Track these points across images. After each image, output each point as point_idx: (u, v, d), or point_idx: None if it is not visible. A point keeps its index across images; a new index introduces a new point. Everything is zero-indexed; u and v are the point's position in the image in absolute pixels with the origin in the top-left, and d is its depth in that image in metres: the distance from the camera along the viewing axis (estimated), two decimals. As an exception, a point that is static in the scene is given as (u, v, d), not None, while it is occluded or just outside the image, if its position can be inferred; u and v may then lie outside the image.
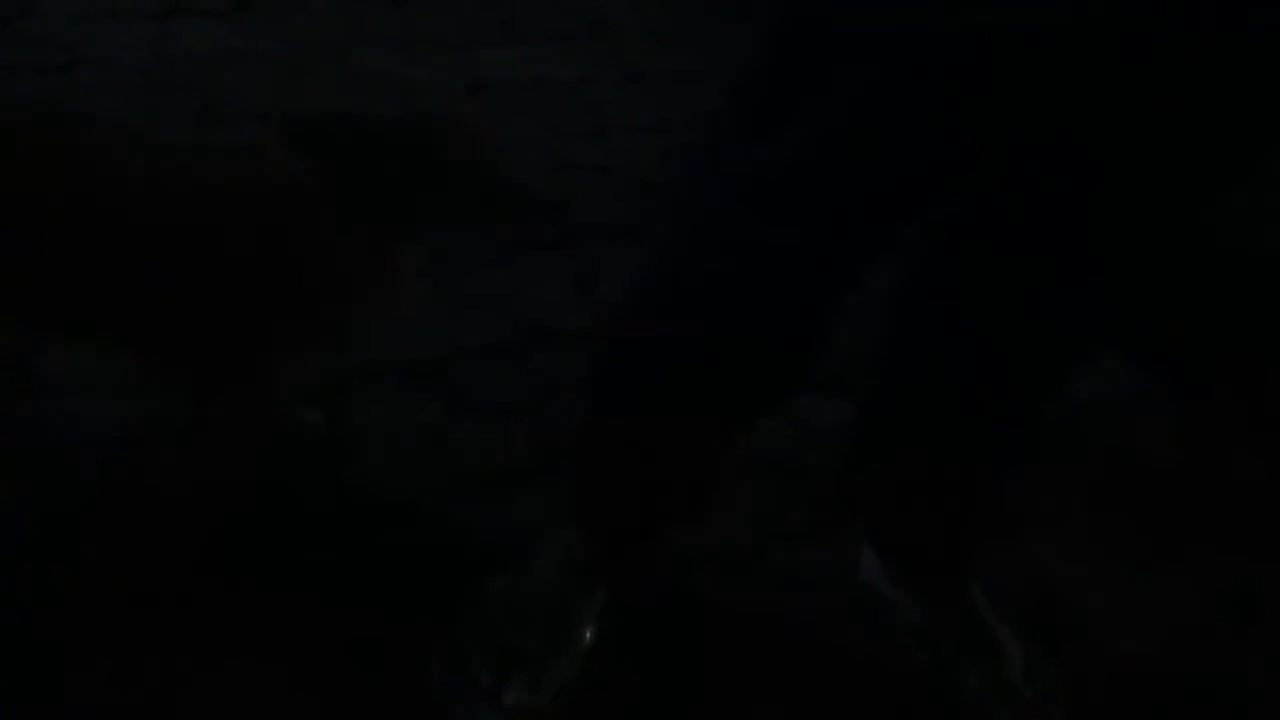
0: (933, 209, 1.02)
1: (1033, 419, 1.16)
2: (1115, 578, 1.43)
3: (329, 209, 1.10)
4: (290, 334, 1.15)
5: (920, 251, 1.10)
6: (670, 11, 2.75)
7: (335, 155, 1.10)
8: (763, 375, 1.06)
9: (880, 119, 0.87)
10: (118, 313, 1.11)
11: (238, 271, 1.08)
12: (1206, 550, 1.49)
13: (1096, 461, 1.61)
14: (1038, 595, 1.37)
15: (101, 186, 1.08)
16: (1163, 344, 1.80)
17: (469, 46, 2.44)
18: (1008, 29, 0.79)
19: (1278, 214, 1.78)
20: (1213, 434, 1.69)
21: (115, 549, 1.20)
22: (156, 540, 1.21)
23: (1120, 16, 0.79)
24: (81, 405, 1.34)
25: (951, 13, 0.80)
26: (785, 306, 1.01)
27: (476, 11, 2.61)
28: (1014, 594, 1.32)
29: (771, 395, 1.10)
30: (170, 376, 1.20)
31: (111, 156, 1.12)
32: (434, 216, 1.17)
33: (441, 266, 1.72)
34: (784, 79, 0.91)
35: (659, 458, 1.12)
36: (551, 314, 1.67)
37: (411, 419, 1.45)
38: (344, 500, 1.32)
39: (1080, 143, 0.89)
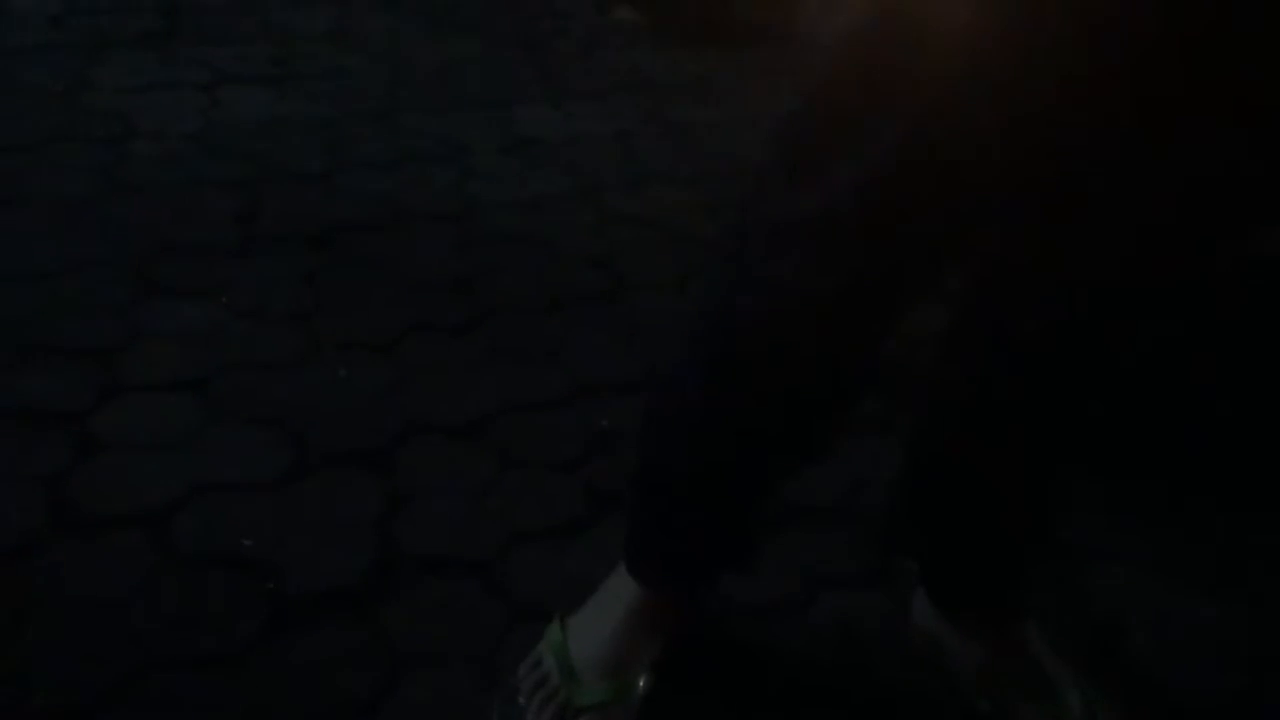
0: (977, 251, 1.03)
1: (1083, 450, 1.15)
2: (1178, 611, 1.41)
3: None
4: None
5: (965, 292, 1.11)
6: (705, 66, 2.78)
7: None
8: (808, 421, 1.07)
9: (918, 167, 0.88)
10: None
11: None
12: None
13: (1157, 485, 1.58)
14: (1098, 632, 1.35)
15: None
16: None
17: (508, 105, 2.48)
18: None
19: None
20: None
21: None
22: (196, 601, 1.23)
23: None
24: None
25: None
26: (829, 352, 1.02)
27: (516, 70, 2.66)
28: (1073, 631, 1.31)
29: (817, 440, 1.11)
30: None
31: None
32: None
33: (490, 321, 1.76)
34: (822, 128, 0.92)
35: (707, 506, 1.12)
36: (598, 367, 1.68)
37: (460, 475, 1.46)
38: (394, 554, 1.33)
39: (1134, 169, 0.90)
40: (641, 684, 1.15)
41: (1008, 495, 1.16)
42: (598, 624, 1.18)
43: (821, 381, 1.04)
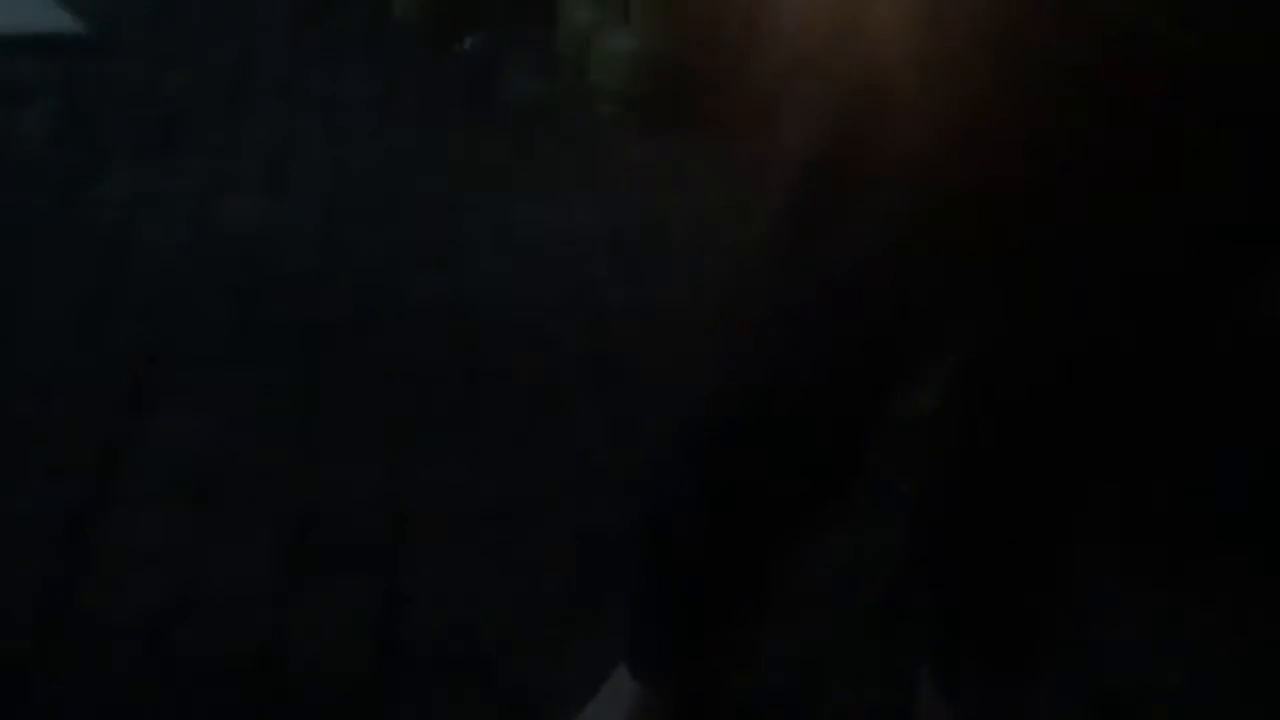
0: (966, 319, 1.04)
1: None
2: (1189, 682, 1.39)
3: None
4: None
5: (955, 364, 1.11)
6: (694, 154, 2.83)
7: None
8: (803, 506, 1.07)
9: (903, 244, 0.89)
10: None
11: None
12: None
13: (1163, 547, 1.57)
14: (1105, 707, 1.33)
15: None
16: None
17: (501, 200, 2.51)
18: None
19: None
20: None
21: None
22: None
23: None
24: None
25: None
26: (825, 433, 1.03)
27: (509, 165, 2.70)
28: (1082, 696, 1.28)
29: (815, 524, 1.11)
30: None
31: None
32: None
33: (486, 419, 1.77)
34: (813, 209, 0.94)
35: (708, 596, 1.12)
36: (594, 464, 1.69)
37: (458, 575, 1.46)
38: (394, 655, 1.32)
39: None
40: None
41: (1015, 567, 1.15)
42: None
43: (815, 464, 1.04)
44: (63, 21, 3.10)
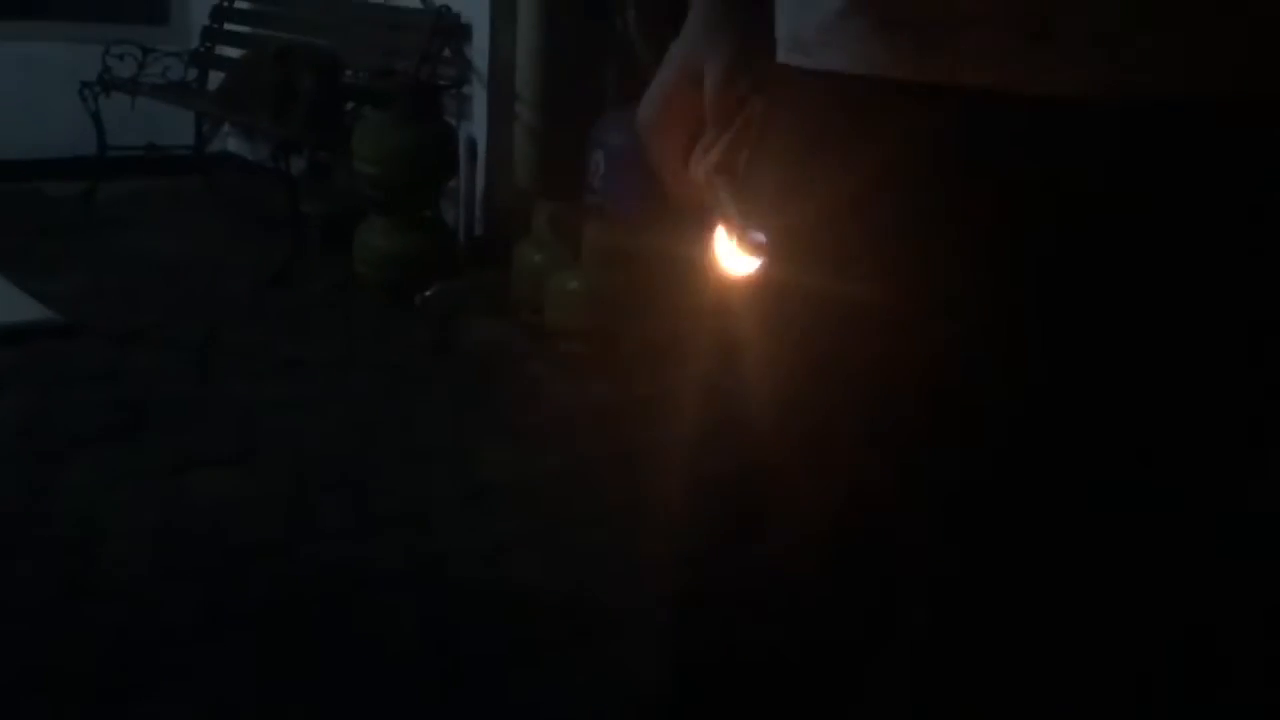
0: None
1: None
2: None
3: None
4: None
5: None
6: (653, 390, 2.89)
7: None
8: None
9: (851, 523, 0.90)
10: None
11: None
12: None
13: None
14: None
15: None
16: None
17: (466, 451, 2.55)
18: None
19: None
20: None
21: None
22: None
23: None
24: None
25: None
26: (795, 698, 1.02)
27: (472, 415, 2.75)
28: None
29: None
30: None
31: None
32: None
33: (462, 683, 1.74)
34: (750, 492, 0.95)
35: None
36: (579, 713, 1.66)
37: None
38: None
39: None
40: None
41: None
42: None
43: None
44: (33, 311, 3.20)
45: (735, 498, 0.98)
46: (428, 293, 3.49)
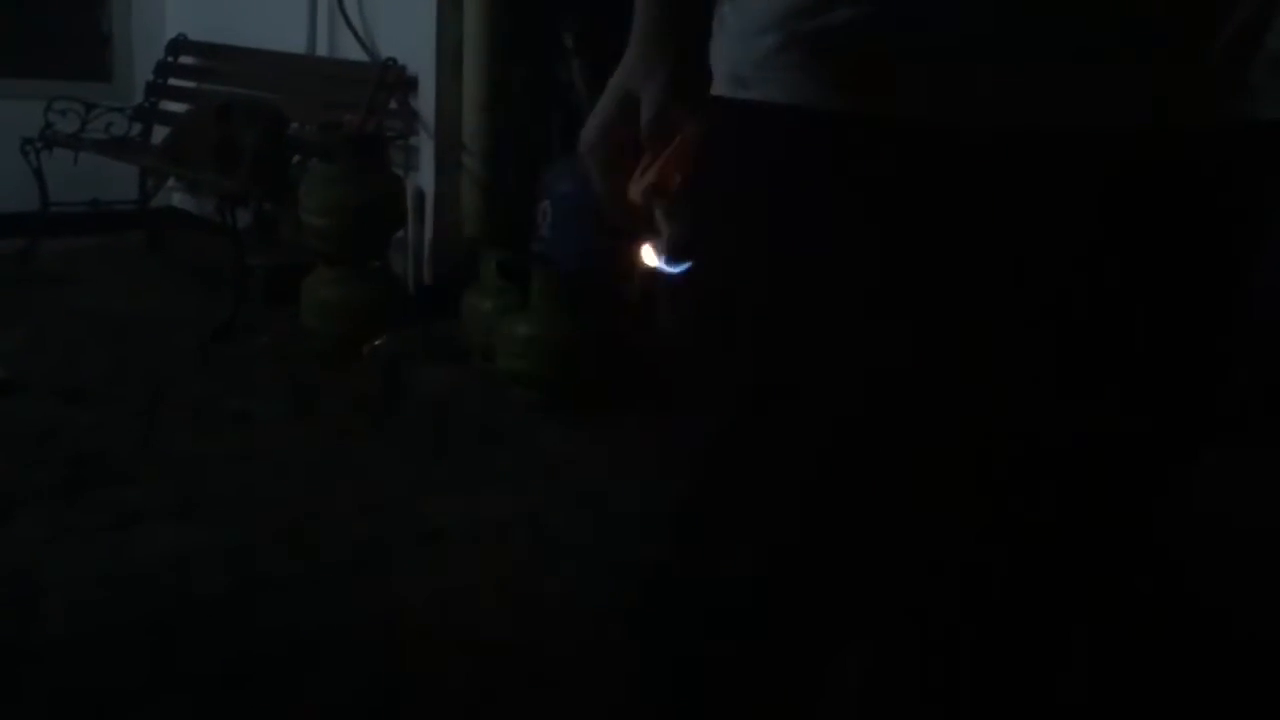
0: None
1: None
2: None
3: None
4: None
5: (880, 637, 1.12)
6: (605, 434, 2.89)
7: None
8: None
9: (829, 531, 0.91)
10: None
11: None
12: None
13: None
14: None
15: None
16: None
17: (418, 499, 2.53)
18: None
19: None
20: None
21: None
22: None
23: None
24: None
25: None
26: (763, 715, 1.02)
27: (422, 463, 2.73)
28: None
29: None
30: None
31: None
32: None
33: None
34: (723, 497, 0.96)
35: None
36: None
37: None
38: None
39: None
40: None
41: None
42: None
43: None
44: (-27, 369, 3.15)
45: (694, 522, 0.99)
46: (377, 342, 3.48)
